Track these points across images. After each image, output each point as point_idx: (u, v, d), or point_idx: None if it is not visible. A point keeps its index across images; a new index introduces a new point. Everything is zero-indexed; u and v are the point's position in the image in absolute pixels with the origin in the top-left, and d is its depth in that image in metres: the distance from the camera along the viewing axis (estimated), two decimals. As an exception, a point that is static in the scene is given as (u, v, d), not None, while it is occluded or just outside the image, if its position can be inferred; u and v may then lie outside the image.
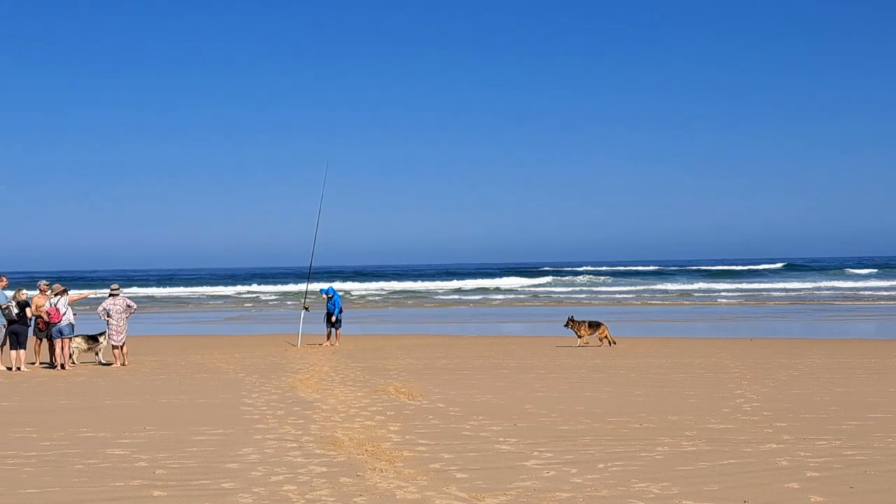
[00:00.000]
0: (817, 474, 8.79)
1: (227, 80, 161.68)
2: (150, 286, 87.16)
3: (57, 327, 19.93)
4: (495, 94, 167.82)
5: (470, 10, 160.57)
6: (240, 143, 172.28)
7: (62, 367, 19.73)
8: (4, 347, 20.11)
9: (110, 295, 21.20)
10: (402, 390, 15.40)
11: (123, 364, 20.39)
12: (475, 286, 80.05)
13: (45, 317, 20.06)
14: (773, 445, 10.26)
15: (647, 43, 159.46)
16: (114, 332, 20.63)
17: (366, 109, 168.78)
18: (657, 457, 9.70)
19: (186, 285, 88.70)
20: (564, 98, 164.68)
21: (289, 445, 10.50)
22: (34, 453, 10.16)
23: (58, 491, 8.35)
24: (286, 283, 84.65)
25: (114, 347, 20.59)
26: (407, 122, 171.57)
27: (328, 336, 25.99)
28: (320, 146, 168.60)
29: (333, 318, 26.02)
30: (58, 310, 19.96)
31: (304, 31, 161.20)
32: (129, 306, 21.03)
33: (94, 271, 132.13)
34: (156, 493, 8.22)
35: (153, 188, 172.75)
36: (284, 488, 8.39)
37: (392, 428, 11.67)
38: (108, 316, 20.73)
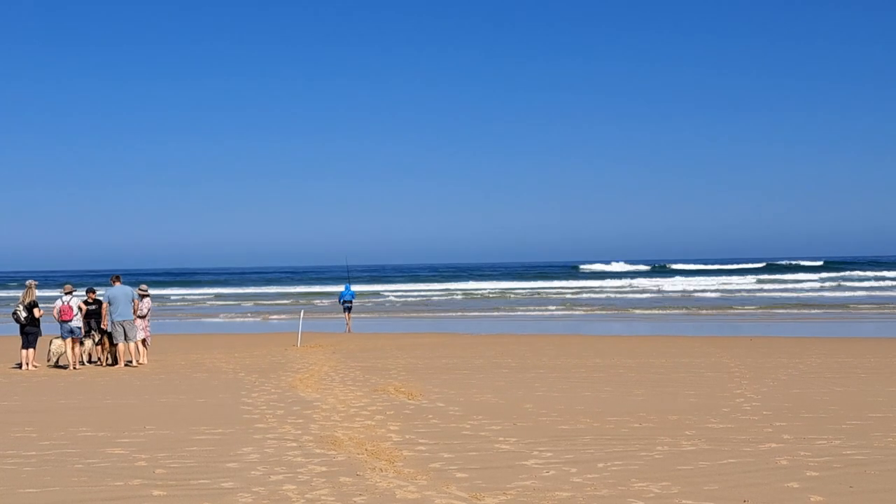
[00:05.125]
0: (817, 474, 8.79)
1: (235, 80, 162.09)
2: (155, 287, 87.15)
3: (68, 327, 19.97)
4: (504, 95, 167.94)
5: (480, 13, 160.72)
6: (246, 142, 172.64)
7: (73, 367, 19.77)
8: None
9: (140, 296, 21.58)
10: (402, 390, 15.40)
11: (128, 362, 20.57)
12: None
13: (56, 315, 20.14)
14: (773, 445, 10.26)
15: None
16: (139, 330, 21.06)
17: (367, 110, 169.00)
18: (657, 456, 9.70)
19: (189, 286, 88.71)
20: (566, 98, 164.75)
21: (288, 445, 10.49)
22: (34, 453, 10.16)
23: (57, 490, 8.35)
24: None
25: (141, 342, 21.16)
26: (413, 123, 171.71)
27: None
28: (324, 147, 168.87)
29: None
30: (70, 308, 20.02)
31: (309, 30, 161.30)
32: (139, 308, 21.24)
33: (94, 271, 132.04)
34: (155, 493, 8.22)
35: (154, 188, 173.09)
36: (284, 488, 8.39)
37: (392, 427, 11.66)
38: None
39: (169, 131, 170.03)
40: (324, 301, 60.06)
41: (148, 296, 21.65)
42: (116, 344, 20.49)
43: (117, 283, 20.90)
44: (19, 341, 20.37)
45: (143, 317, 21.11)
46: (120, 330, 20.43)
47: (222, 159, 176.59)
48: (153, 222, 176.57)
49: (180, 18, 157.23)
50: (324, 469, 9.15)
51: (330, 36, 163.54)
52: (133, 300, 20.77)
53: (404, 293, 71.46)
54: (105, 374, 18.89)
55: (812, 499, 7.88)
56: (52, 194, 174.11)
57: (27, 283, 20.71)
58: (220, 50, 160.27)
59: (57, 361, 20.43)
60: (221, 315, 46.33)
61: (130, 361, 20.42)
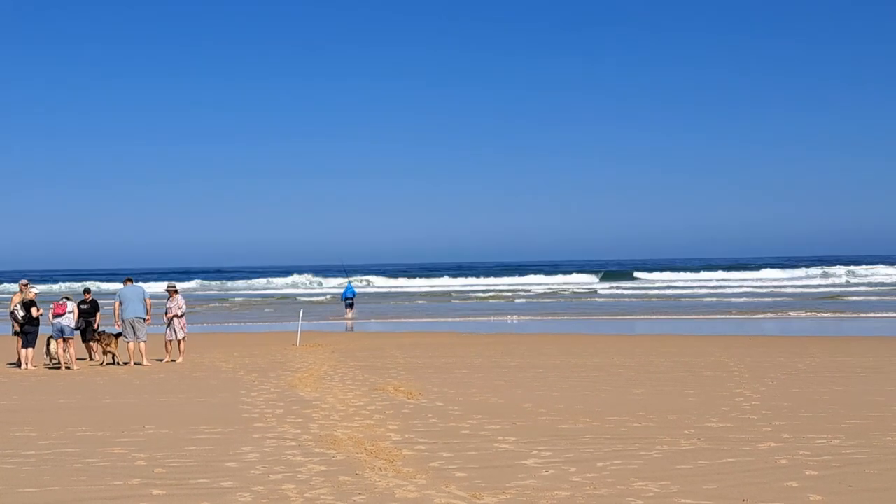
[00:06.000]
0: (816, 473, 8.79)
1: (231, 81, 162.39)
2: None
3: (58, 326, 19.95)
4: (500, 94, 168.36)
5: (474, 13, 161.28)
6: (245, 143, 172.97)
7: (67, 367, 19.76)
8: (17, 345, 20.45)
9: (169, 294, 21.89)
10: (402, 389, 15.40)
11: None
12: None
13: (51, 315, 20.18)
14: (772, 444, 10.27)
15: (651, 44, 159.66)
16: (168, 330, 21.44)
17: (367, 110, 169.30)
18: (656, 455, 9.70)
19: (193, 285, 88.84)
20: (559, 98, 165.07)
21: (288, 444, 10.49)
22: (33, 452, 10.16)
23: (57, 490, 8.35)
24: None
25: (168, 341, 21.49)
26: (407, 122, 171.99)
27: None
28: (324, 147, 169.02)
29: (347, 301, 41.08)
30: (63, 305, 20.04)
31: (306, 31, 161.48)
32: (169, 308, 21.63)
33: (94, 270, 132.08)
34: (155, 492, 8.22)
35: (155, 188, 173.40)
36: (283, 487, 8.39)
37: (391, 427, 11.66)
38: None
39: (167, 131, 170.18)
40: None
41: (177, 292, 21.78)
42: (128, 342, 20.68)
43: (128, 284, 21.38)
44: (16, 340, 20.43)
45: (179, 316, 21.38)
46: (130, 328, 20.67)
47: (220, 159, 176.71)
48: (153, 222, 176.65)
49: (179, 18, 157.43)
50: (323, 468, 9.15)
51: (332, 35, 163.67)
52: (145, 299, 21.03)
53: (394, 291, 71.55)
54: (104, 373, 18.89)
55: (811, 498, 7.89)
56: (53, 194, 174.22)
57: (20, 283, 20.78)
58: (219, 50, 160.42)
59: (58, 361, 20.44)
60: (217, 314, 46.35)
61: (140, 362, 20.48)
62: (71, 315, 20.09)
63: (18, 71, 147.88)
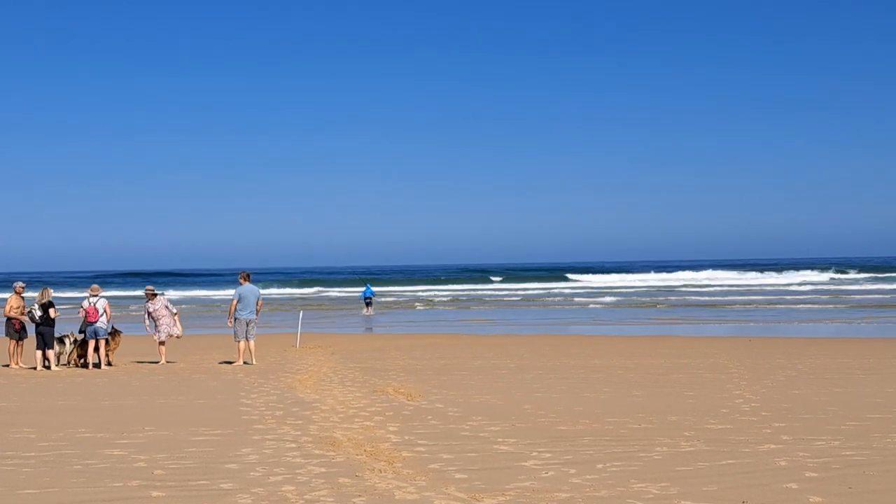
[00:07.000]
0: (816, 474, 8.79)
1: (234, 79, 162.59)
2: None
3: (92, 328, 20.10)
4: (495, 94, 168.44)
5: (471, 11, 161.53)
6: (244, 143, 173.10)
7: (96, 366, 20.04)
8: (18, 347, 20.50)
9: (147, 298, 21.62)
10: (401, 391, 15.39)
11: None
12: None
13: (83, 315, 20.32)
14: (772, 446, 10.26)
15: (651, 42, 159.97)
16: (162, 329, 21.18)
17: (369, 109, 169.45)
18: (656, 457, 9.70)
19: (186, 287, 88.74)
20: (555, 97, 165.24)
21: (287, 446, 10.49)
22: (33, 454, 10.15)
23: (56, 491, 8.34)
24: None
25: (160, 343, 21.22)
26: (408, 121, 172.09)
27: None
28: (325, 147, 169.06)
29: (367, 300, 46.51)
30: (96, 310, 20.19)
31: (308, 30, 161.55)
32: (165, 307, 21.32)
33: (94, 271, 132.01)
34: (154, 494, 8.21)
35: (156, 188, 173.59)
36: (283, 489, 8.38)
37: (391, 428, 11.66)
38: (149, 318, 21.36)
39: (169, 131, 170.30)
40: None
41: (156, 295, 21.40)
42: (239, 341, 20.69)
43: (246, 283, 20.93)
44: (9, 342, 20.50)
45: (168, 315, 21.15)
46: (243, 329, 20.65)
47: (221, 159, 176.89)
48: (155, 223, 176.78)
49: (184, 16, 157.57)
50: (323, 470, 9.15)
51: (336, 36, 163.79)
52: (258, 300, 20.92)
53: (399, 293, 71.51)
54: (104, 374, 18.88)
55: (811, 499, 7.89)
56: (55, 194, 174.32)
57: (14, 285, 20.81)
58: (224, 48, 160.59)
59: (68, 361, 20.59)
60: (215, 314, 46.29)
61: (248, 361, 20.44)
62: (104, 317, 20.22)
63: (20, 71, 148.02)
